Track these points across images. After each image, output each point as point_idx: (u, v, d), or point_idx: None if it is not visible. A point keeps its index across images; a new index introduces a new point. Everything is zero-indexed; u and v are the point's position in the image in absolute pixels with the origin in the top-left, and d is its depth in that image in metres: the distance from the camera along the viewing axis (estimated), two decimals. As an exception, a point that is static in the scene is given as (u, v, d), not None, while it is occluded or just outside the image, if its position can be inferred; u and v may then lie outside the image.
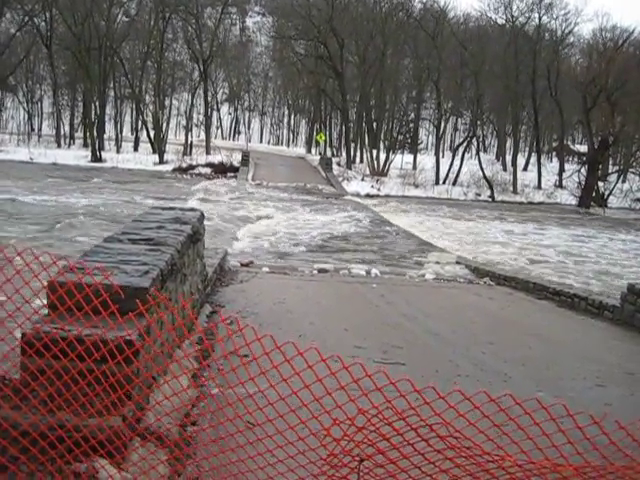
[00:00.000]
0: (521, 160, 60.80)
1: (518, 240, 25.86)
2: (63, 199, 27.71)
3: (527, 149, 72.48)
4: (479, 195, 47.58)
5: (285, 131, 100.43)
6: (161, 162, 53.05)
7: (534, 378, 6.59)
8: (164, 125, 60.53)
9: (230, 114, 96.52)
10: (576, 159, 61.81)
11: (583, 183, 46.53)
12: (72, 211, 23.66)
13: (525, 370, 6.91)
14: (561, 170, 54.22)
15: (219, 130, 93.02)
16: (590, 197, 45.72)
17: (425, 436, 2.50)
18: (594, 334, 9.50)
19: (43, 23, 60.28)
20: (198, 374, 5.24)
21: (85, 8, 55.33)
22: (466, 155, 55.69)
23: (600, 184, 47.45)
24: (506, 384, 6.24)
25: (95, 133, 55.98)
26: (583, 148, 60.84)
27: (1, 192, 27.73)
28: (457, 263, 15.79)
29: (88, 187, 34.07)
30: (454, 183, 50.50)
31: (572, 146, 70.73)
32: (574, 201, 46.50)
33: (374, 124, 61.70)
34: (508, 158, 60.38)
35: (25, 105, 77.90)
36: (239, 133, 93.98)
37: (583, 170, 47.56)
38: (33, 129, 75.20)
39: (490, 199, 46.51)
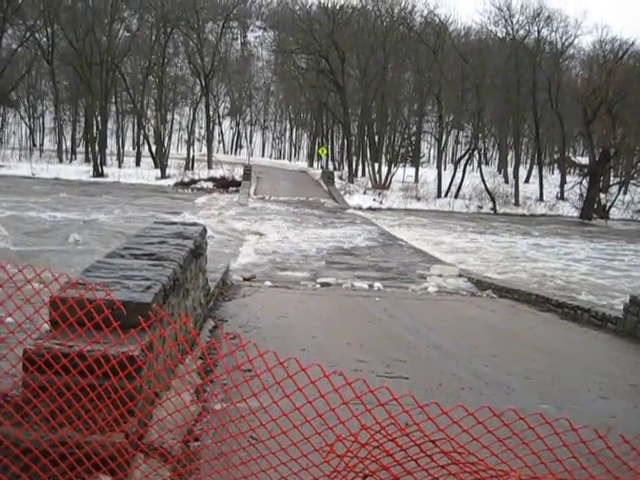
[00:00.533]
0: (523, 172, 60.85)
1: (549, 255, 24.86)
2: (93, 216, 26.79)
3: (529, 161, 72.54)
4: (481, 207, 47.61)
5: (287, 145, 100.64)
6: (163, 177, 53.16)
7: (538, 391, 6.56)
8: (166, 140, 60.79)
9: (232, 128, 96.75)
10: (577, 171, 61.94)
11: (585, 195, 46.58)
12: (119, 229, 22.79)
13: (528, 383, 6.88)
14: (562, 182, 54.25)
15: (221, 144, 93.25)
16: (592, 209, 45.76)
17: (429, 452, 2.49)
18: (597, 346, 9.47)
19: (45, 39, 60.60)
20: (201, 390, 5.22)
21: (86, 23, 55.66)
22: (468, 168, 55.76)
23: (602, 196, 47.49)
24: (510, 397, 6.22)
25: (97, 148, 56.12)
26: (584, 160, 60.89)
27: (39, 210, 27.34)
28: (460, 276, 15.78)
29: (103, 202, 33.76)
30: (456, 196, 50.54)
31: (573, 158, 70.79)
32: (576, 213, 46.54)
33: (376, 137, 61.84)
34: (510, 170, 60.45)
35: (27, 120, 78.17)
36: (241, 147, 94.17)
37: (585, 182, 47.63)
38: (35, 144, 75.44)
39: (492, 211, 46.53)
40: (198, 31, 58.74)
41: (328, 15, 56.88)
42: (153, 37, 61.27)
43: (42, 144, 76.96)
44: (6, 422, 3.48)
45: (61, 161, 61.83)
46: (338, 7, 58.49)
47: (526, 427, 2.42)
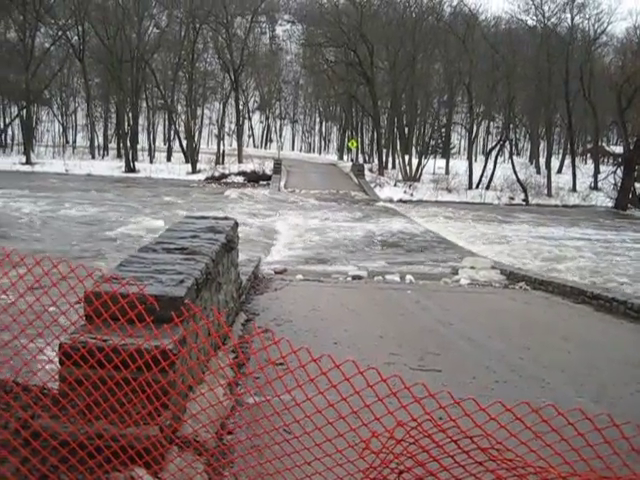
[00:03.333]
0: (555, 163, 60.14)
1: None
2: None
3: (561, 151, 71.66)
4: (513, 199, 47.14)
5: (317, 138, 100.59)
6: (194, 171, 53.46)
7: (574, 384, 6.48)
8: (196, 134, 61.06)
9: (261, 122, 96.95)
10: (611, 160, 60.98)
11: (619, 185, 45.88)
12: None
13: (564, 376, 6.79)
14: (596, 172, 53.52)
15: (251, 138, 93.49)
16: (627, 199, 45.05)
17: (466, 448, 2.45)
18: (633, 338, 9.32)
19: (76, 37, 61.29)
20: (233, 384, 5.24)
21: (117, 21, 56.18)
22: (499, 159, 55.24)
23: (637, 185, 46.72)
24: (545, 390, 6.15)
25: (128, 144, 56.64)
26: (618, 149, 59.98)
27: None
28: (492, 268, 15.63)
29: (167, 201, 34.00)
30: (487, 187, 50.11)
31: (607, 147, 69.75)
32: (610, 203, 45.86)
33: (406, 129, 61.52)
34: (542, 161, 59.82)
35: (60, 118, 79.20)
36: (271, 141, 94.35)
37: (619, 171, 46.88)
38: (68, 141, 76.40)
39: (524, 202, 46.07)
40: (227, 26, 58.93)
41: (356, 7, 56.64)
42: (182, 33, 61.66)
43: (75, 141, 77.93)
44: (44, 415, 3.52)
45: (93, 157, 62.56)
46: (366, -1, 58.32)
47: (565, 422, 2.37)
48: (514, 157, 57.52)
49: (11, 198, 29.77)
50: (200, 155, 57.27)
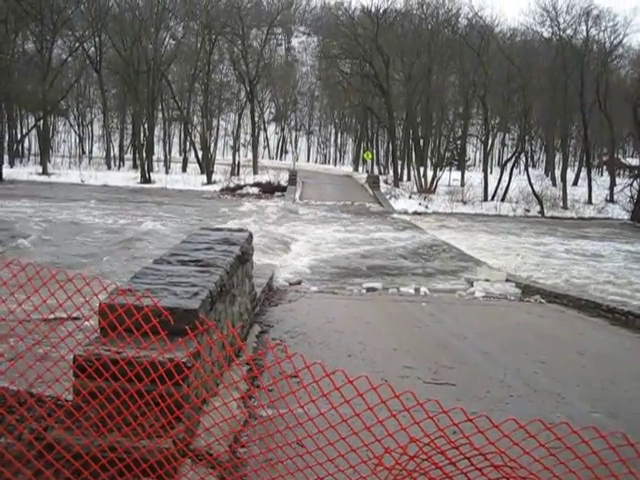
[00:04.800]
0: (570, 175, 59.86)
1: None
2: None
3: (576, 163, 71.36)
4: (528, 211, 46.95)
5: (332, 150, 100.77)
6: (209, 182, 53.63)
7: (589, 398, 6.42)
8: (212, 146, 61.33)
9: (277, 134, 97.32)
10: (627, 173, 60.62)
11: (636, 197, 45.59)
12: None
13: (579, 390, 6.74)
14: (612, 184, 53.17)
15: (266, 150, 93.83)
16: (643, 211, 44.75)
17: (479, 465, 2.44)
18: (650, 353, 9.24)
19: (93, 48, 61.84)
20: (247, 398, 5.23)
21: (133, 32, 56.61)
22: (514, 171, 55.07)
23: (654, 197, 46.40)
24: (560, 405, 6.10)
25: (144, 154, 56.92)
26: (635, 161, 59.69)
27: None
28: (507, 281, 15.58)
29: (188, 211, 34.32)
30: (503, 199, 49.94)
31: (623, 159, 69.40)
32: (626, 215, 45.56)
33: (421, 141, 61.49)
34: (557, 173, 59.52)
35: (76, 128, 79.88)
36: (286, 152, 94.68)
37: (635, 184, 46.59)
38: (84, 152, 76.97)
39: (540, 215, 45.87)
40: (243, 37, 59.27)
41: (372, 19, 56.84)
42: (198, 44, 61.98)
43: (91, 151, 78.54)
44: (58, 427, 3.53)
45: (109, 168, 62.92)
46: (382, 11, 58.53)
47: (579, 440, 2.36)
48: (529, 169, 57.34)
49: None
50: (215, 166, 57.48)
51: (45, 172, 54.41)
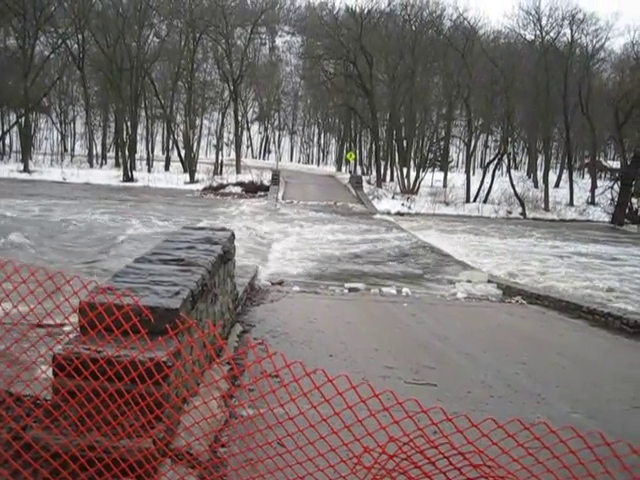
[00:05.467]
0: (552, 177, 60.30)
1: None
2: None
3: (558, 166, 71.90)
4: (510, 212, 47.24)
5: (315, 149, 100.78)
6: (192, 181, 53.51)
7: (568, 399, 6.46)
8: (195, 144, 61.16)
9: (260, 133, 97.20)
10: (609, 175, 61.11)
11: (616, 200, 45.99)
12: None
13: (559, 391, 6.78)
14: (593, 187, 53.64)
15: (249, 149, 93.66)
16: (623, 214, 45.14)
17: (458, 464, 2.45)
18: (629, 354, 9.32)
19: (76, 45, 61.50)
20: (227, 398, 5.22)
21: (117, 30, 56.38)
22: (497, 172, 55.40)
23: (634, 200, 46.82)
24: (540, 405, 6.13)
25: (127, 153, 56.68)
26: (616, 164, 60.16)
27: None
28: (489, 282, 15.64)
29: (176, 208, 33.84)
30: (485, 201, 50.22)
31: (604, 162, 69.97)
32: (607, 218, 45.94)
33: (404, 142, 61.67)
34: (539, 175, 59.98)
35: (58, 126, 79.31)
36: (269, 152, 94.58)
37: (616, 186, 47.01)
38: (66, 149, 76.42)
39: (521, 216, 46.15)
40: (227, 36, 59.16)
41: (356, 20, 56.94)
42: (182, 43, 61.83)
43: (73, 149, 77.96)
44: (36, 427, 3.50)
45: (91, 166, 62.59)
46: (366, 11, 58.65)
47: (558, 439, 2.37)
48: (512, 171, 57.65)
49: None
50: (198, 165, 57.36)
51: (26, 170, 54.02)
